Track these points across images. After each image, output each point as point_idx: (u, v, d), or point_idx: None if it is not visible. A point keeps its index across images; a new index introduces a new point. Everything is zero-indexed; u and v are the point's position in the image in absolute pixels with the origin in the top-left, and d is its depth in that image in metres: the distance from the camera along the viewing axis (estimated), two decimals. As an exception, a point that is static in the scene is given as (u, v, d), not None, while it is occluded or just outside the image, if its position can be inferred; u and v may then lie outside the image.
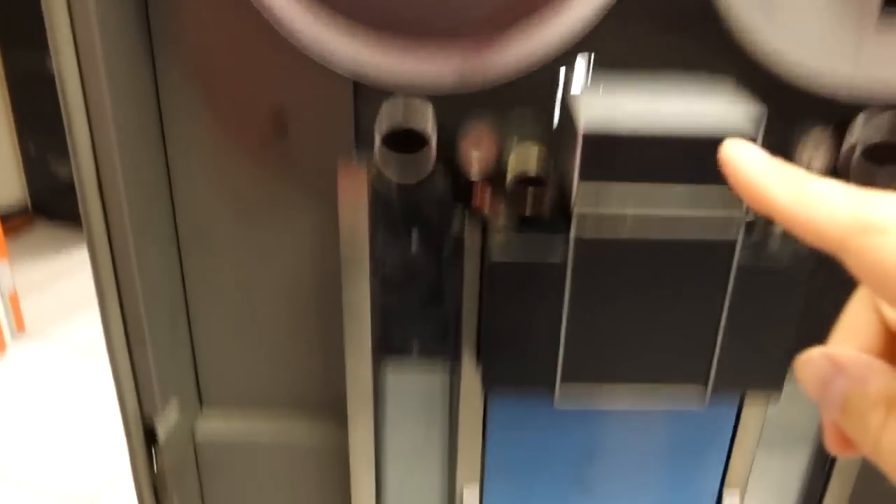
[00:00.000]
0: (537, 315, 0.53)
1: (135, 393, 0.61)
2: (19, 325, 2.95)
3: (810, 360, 0.27)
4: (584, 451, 0.69)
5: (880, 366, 0.26)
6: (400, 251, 0.60)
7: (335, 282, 0.61)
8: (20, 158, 3.58)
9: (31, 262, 3.55)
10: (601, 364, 0.56)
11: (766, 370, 0.57)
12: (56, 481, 2.00)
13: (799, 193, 0.25)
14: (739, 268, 0.51)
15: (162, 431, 0.63)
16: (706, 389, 0.56)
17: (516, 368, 0.56)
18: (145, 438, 0.63)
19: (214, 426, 0.71)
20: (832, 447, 0.28)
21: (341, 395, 0.65)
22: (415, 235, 0.60)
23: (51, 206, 3.75)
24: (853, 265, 0.24)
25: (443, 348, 0.65)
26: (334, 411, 0.68)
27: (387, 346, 0.65)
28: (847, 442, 0.26)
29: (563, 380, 0.55)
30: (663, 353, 0.55)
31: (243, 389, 0.71)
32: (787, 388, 0.58)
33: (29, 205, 3.68)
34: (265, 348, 0.69)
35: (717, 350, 0.54)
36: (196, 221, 0.63)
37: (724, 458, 0.70)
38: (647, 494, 0.72)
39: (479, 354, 0.60)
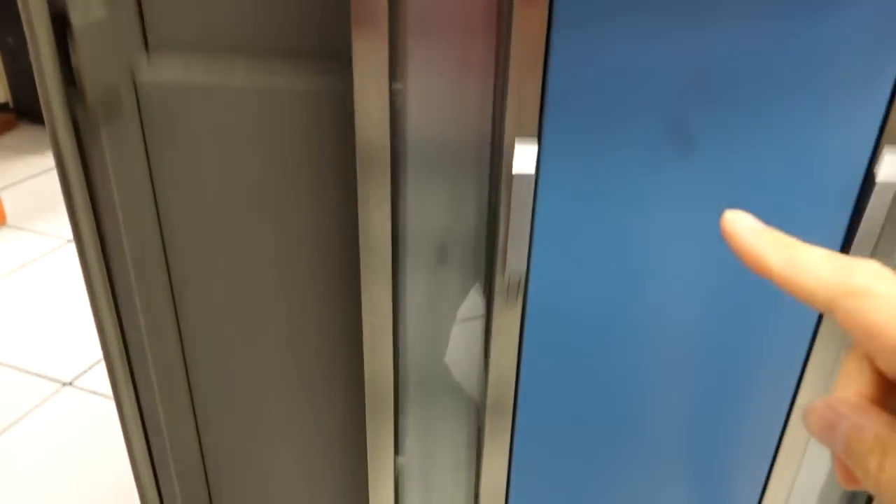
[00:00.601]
0: None
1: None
2: (1, 218, 2.80)
3: (815, 409, 0.29)
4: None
5: (875, 412, 0.28)
6: None
7: None
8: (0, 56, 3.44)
9: (12, 160, 3.54)
10: None
11: None
12: (36, 362, 1.99)
13: (790, 260, 0.29)
14: None
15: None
16: None
17: None
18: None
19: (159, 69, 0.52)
20: (843, 482, 0.30)
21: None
22: None
23: (34, 108, 3.60)
24: (841, 324, 0.27)
25: None
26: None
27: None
28: (855, 478, 0.28)
29: None
30: None
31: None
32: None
33: (11, 103, 3.55)
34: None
35: None
36: None
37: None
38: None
39: None
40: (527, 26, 0.46)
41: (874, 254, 0.53)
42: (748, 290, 0.56)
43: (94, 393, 1.83)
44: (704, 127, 0.51)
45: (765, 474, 0.62)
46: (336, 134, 0.56)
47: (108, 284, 0.65)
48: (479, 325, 0.59)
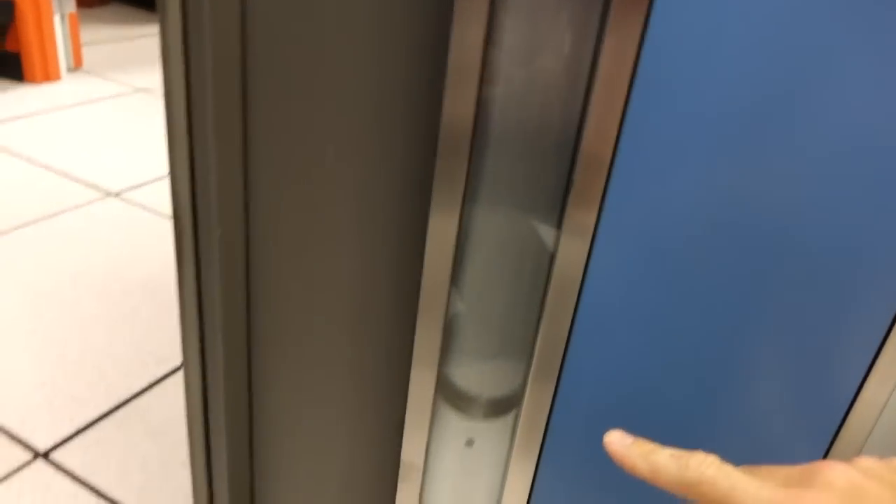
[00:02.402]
0: None
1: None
2: (77, 61, 2.91)
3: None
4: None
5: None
6: None
7: None
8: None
9: (99, 26, 3.70)
10: None
11: None
12: (87, 173, 2.10)
13: (652, 465, 0.37)
14: None
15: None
16: None
17: None
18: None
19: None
20: None
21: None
22: None
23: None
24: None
25: None
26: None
27: None
28: None
29: None
30: None
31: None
32: None
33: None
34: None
35: None
36: None
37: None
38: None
39: None
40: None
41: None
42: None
43: (140, 206, 1.91)
44: None
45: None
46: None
47: (188, 134, 0.57)
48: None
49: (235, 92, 0.54)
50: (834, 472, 0.33)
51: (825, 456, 0.62)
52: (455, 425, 0.69)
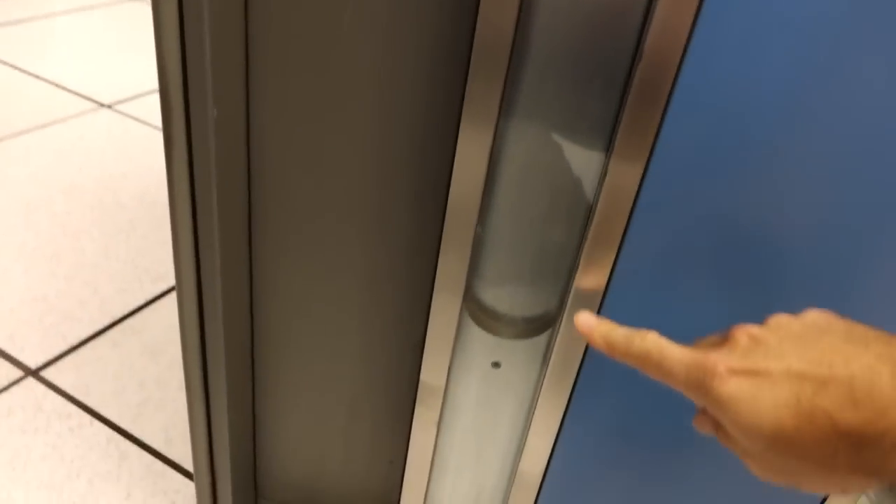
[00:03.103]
0: None
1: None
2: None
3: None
4: None
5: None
6: None
7: None
8: None
9: None
10: None
11: None
12: (89, 88, 1.99)
13: (608, 342, 0.43)
14: None
15: None
16: None
17: None
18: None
19: None
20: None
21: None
22: None
23: None
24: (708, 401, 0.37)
25: None
26: None
27: None
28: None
29: None
30: None
31: None
32: None
33: None
34: None
35: None
36: None
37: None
38: None
39: None
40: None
41: None
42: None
43: (134, 118, 1.81)
44: None
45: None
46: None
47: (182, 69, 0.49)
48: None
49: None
50: (740, 330, 0.38)
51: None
52: (481, 345, 0.62)
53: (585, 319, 0.44)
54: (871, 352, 0.33)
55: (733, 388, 0.35)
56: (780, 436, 0.33)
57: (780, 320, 0.38)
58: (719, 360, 0.36)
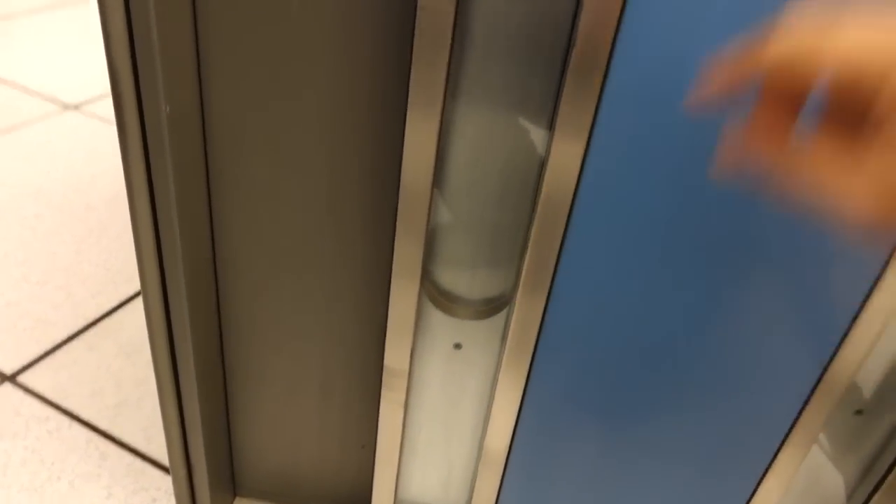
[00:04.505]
0: None
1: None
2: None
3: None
4: None
5: None
6: None
7: None
8: None
9: None
10: None
11: None
12: (54, 89, 1.98)
13: None
14: None
15: None
16: None
17: None
18: None
19: None
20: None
21: None
22: None
23: None
24: None
25: None
26: None
27: None
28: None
29: None
30: None
31: None
32: None
33: None
34: None
35: None
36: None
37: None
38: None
39: None
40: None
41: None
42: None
43: (101, 119, 1.80)
44: None
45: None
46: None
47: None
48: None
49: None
50: None
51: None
52: (442, 328, 0.63)
53: None
54: None
55: None
56: None
57: None
58: None
